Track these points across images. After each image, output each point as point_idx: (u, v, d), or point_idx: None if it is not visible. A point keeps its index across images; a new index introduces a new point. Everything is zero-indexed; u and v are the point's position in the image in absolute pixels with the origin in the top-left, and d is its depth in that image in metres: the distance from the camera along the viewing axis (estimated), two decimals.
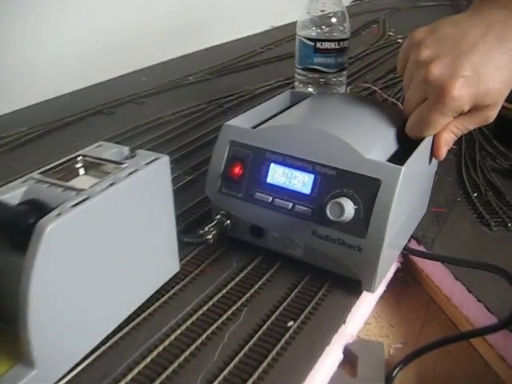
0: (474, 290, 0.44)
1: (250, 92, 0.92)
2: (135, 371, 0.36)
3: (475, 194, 0.60)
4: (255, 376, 0.36)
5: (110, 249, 0.37)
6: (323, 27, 0.67)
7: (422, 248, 0.50)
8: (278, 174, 0.45)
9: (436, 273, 0.48)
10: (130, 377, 0.36)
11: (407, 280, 0.52)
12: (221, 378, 0.36)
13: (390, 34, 1.39)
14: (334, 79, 0.68)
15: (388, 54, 1.19)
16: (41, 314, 0.32)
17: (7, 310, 0.33)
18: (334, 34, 0.67)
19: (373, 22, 1.53)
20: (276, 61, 1.13)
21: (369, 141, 0.44)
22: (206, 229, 0.46)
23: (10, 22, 0.84)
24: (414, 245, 0.51)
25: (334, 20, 0.67)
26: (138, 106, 0.86)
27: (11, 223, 0.33)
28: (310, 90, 0.69)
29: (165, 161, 0.40)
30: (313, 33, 0.67)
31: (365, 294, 0.44)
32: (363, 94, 0.88)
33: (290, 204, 0.44)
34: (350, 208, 0.41)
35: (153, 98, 0.90)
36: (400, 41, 1.32)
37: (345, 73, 0.70)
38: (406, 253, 0.50)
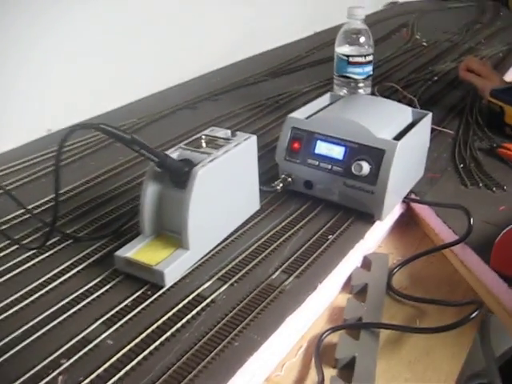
0: (448, 221, 0.69)
1: (297, 91, 1.17)
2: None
3: (461, 165, 0.84)
4: (305, 265, 0.63)
5: (225, 188, 0.64)
6: (354, 45, 0.93)
7: (417, 198, 0.75)
8: (322, 147, 0.71)
9: (427, 214, 0.74)
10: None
11: (408, 222, 0.77)
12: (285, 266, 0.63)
13: (417, 37, 1.63)
14: (362, 84, 0.94)
15: (412, 56, 1.42)
16: (193, 222, 0.59)
17: (174, 223, 0.60)
18: (362, 50, 0.93)
19: (403, 25, 1.77)
20: (317, 64, 1.37)
21: (380, 125, 0.70)
22: (276, 183, 0.73)
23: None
24: (413, 196, 0.76)
25: (362, 39, 0.93)
26: (212, 103, 1.13)
27: (177, 170, 0.60)
28: (344, 91, 0.96)
29: (254, 139, 0.67)
30: (346, 49, 0.93)
31: (377, 223, 0.70)
32: (388, 92, 1.12)
33: (330, 165, 0.70)
34: (366, 167, 0.67)
35: (224, 95, 1.16)
36: (425, 44, 1.55)
37: (370, 78, 0.95)
38: (407, 201, 0.76)
